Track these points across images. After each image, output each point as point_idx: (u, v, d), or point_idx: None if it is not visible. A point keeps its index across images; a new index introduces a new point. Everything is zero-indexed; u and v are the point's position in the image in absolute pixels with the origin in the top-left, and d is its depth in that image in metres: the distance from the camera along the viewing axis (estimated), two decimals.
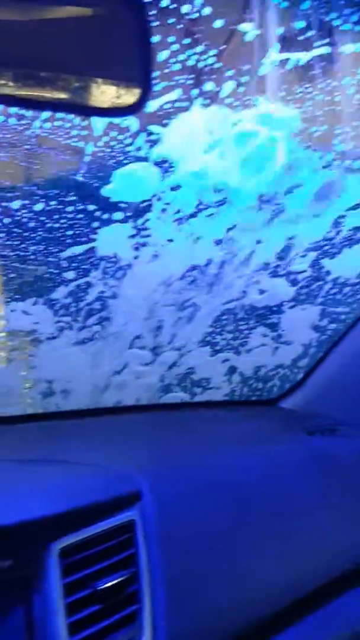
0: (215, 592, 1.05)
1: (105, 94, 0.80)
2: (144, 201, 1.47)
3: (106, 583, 0.89)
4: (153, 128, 1.33)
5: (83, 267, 1.51)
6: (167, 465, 1.22)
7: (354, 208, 1.78)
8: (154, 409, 1.79)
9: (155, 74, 1.26)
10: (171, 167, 1.42)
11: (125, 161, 1.35)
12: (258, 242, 1.76)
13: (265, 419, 1.83)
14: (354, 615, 1.28)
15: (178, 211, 1.52)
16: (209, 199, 1.58)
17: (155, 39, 1.20)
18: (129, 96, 0.79)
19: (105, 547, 0.93)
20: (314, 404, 1.86)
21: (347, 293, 1.95)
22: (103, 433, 1.45)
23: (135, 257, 1.61)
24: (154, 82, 1.30)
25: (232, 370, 1.95)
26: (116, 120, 1.24)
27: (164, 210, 1.50)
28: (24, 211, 1.43)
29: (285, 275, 1.88)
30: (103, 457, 1.19)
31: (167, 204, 1.48)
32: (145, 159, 1.38)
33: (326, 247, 1.87)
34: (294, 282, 1.86)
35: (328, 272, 1.93)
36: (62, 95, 0.76)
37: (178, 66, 1.25)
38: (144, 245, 1.57)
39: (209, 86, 1.30)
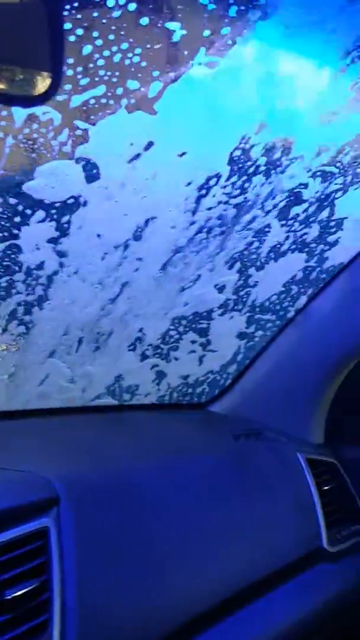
0: (134, 598, 1.03)
1: (13, 81, 0.77)
2: (68, 200, 1.44)
3: (15, 592, 0.85)
4: (78, 123, 1.31)
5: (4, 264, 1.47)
6: (89, 469, 1.19)
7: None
8: (81, 412, 1.75)
9: (79, 69, 1.24)
10: (96, 167, 1.40)
11: (48, 156, 1.32)
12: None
13: (194, 422, 1.83)
14: (276, 615, 1.29)
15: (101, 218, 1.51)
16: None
17: (79, 31, 1.18)
18: (39, 85, 0.76)
19: (16, 555, 0.90)
20: (241, 409, 1.88)
21: (273, 301, 1.98)
22: (23, 435, 1.40)
23: (60, 264, 1.57)
24: (78, 76, 1.28)
25: (162, 375, 1.94)
26: (37, 112, 1.22)
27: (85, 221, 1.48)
28: None
29: (213, 285, 1.89)
30: (20, 460, 1.15)
31: (90, 209, 1.46)
32: (69, 156, 1.36)
33: (252, 257, 1.90)
34: (221, 290, 1.88)
35: (256, 282, 1.96)
36: None
37: (102, 62, 1.24)
38: (67, 252, 1.54)
39: (133, 85, 1.30)
